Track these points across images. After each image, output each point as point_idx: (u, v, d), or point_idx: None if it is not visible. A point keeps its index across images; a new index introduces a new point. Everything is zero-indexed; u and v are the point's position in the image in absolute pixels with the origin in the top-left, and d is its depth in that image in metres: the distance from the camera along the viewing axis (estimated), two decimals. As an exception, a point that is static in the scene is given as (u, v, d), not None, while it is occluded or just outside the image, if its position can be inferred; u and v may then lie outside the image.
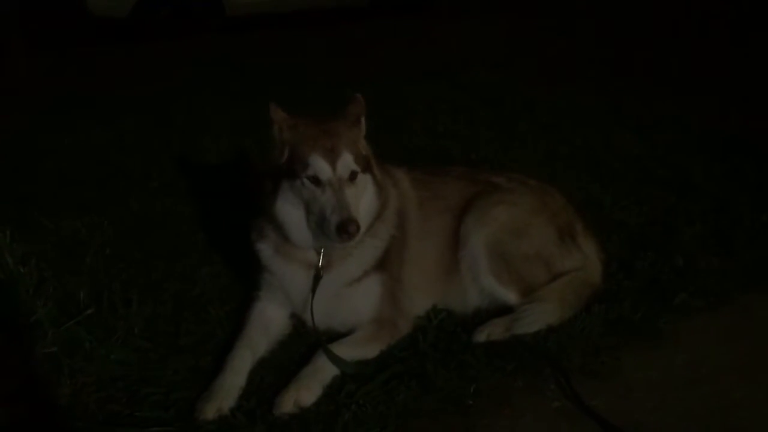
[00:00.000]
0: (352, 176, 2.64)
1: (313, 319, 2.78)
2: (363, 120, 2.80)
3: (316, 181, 2.62)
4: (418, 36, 9.90)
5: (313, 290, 2.77)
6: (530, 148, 5.14)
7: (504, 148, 5.10)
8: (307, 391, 2.57)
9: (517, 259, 3.05)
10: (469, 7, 11.78)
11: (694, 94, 6.56)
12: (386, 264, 2.92)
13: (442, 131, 5.48)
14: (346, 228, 2.50)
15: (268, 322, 2.93)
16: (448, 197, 3.19)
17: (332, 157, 2.61)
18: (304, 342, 2.91)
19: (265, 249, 2.90)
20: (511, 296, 3.04)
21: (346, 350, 2.75)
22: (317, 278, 2.77)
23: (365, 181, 2.73)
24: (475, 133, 5.46)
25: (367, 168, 2.74)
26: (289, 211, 2.73)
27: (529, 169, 4.43)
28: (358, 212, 2.60)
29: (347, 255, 2.82)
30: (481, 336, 2.91)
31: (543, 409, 2.62)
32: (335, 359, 2.68)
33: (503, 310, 3.03)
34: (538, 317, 2.93)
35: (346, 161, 2.63)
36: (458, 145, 5.19)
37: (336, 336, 2.87)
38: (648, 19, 10.58)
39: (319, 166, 2.61)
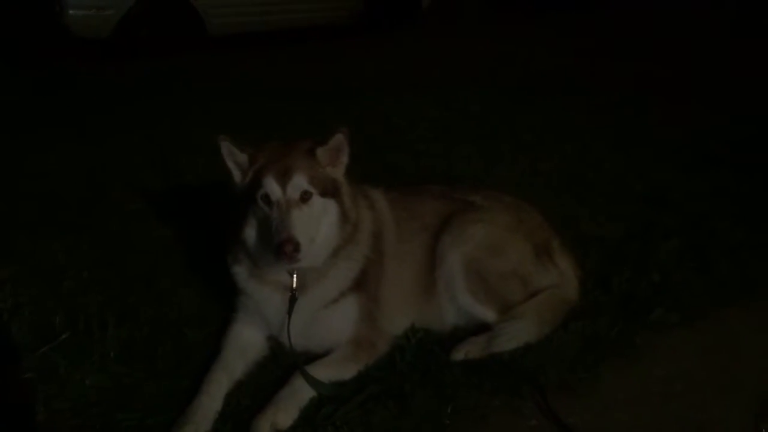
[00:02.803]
0: (304, 197, 2.65)
1: (290, 341, 2.77)
2: (321, 150, 2.76)
3: (267, 201, 2.65)
4: (401, 52, 9.97)
5: (290, 312, 2.77)
6: (510, 164, 5.18)
7: (484, 165, 5.14)
8: (284, 413, 2.56)
9: (494, 277, 3.06)
10: (453, 25, 11.87)
11: (673, 111, 6.63)
12: (363, 284, 2.93)
13: (423, 148, 5.51)
14: (283, 248, 2.50)
15: (245, 344, 2.92)
16: (424, 217, 3.20)
17: (284, 178, 2.63)
18: (281, 364, 2.90)
19: (241, 272, 2.91)
20: (488, 314, 3.05)
21: (323, 372, 2.74)
22: (293, 300, 2.77)
23: (326, 205, 2.73)
24: (455, 150, 5.49)
25: (330, 193, 2.75)
26: (254, 234, 2.76)
27: (509, 186, 4.46)
28: (306, 233, 2.60)
29: (322, 277, 2.83)
30: (459, 354, 2.91)
31: (520, 427, 2.62)
32: (312, 381, 2.67)
33: (481, 328, 3.04)
34: (516, 335, 2.94)
35: (298, 183, 2.64)
36: (438, 162, 5.22)
37: (313, 357, 2.87)
38: (630, 35, 10.71)
39: (270, 186, 2.63)
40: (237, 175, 2.83)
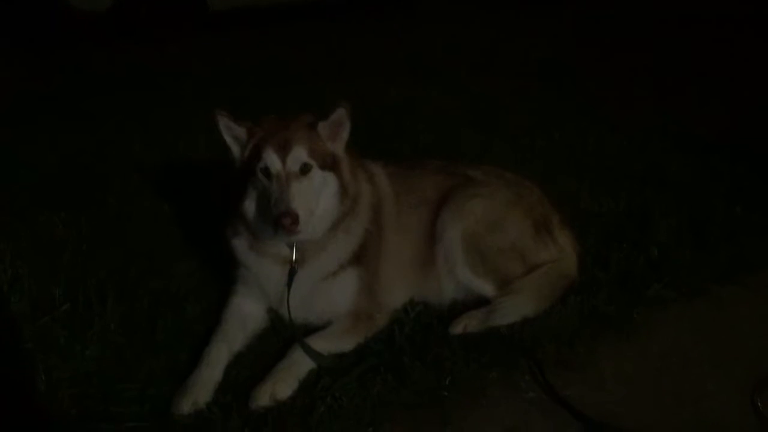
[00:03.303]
0: (304, 170, 2.65)
1: (289, 313, 2.79)
2: (323, 124, 2.77)
3: (267, 173, 2.65)
4: (400, 33, 9.90)
5: (289, 285, 2.79)
6: (508, 144, 5.16)
7: (482, 144, 5.12)
8: (283, 384, 2.59)
9: (493, 252, 3.07)
10: (451, 9, 11.75)
11: (672, 94, 6.60)
12: (362, 258, 2.94)
13: (421, 128, 5.49)
14: (281, 220, 2.51)
15: (245, 316, 2.94)
16: (424, 191, 3.20)
17: (284, 150, 2.64)
18: (281, 336, 2.92)
19: (240, 245, 2.92)
20: (487, 288, 3.07)
21: (322, 344, 2.76)
22: (292, 273, 2.78)
23: (326, 178, 2.74)
24: (454, 130, 5.48)
25: (330, 166, 2.75)
26: (254, 207, 2.77)
27: (508, 163, 4.45)
28: (305, 206, 2.60)
29: (321, 250, 2.83)
30: (457, 328, 2.93)
31: (517, 400, 2.65)
32: (311, 353, 2.69)
33: (479, 302, 3.06)
34: (514, 309, 2.96)
35: (297, 155, 2.64)
36: (437, 141, 5.20)
37: (313, 329, 2.89)
38: (629, 20, 10.64)
39: (270, 158, 2.64)
40: (235, 150, 2.84)
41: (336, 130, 2.80)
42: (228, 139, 2.83)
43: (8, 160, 4.93)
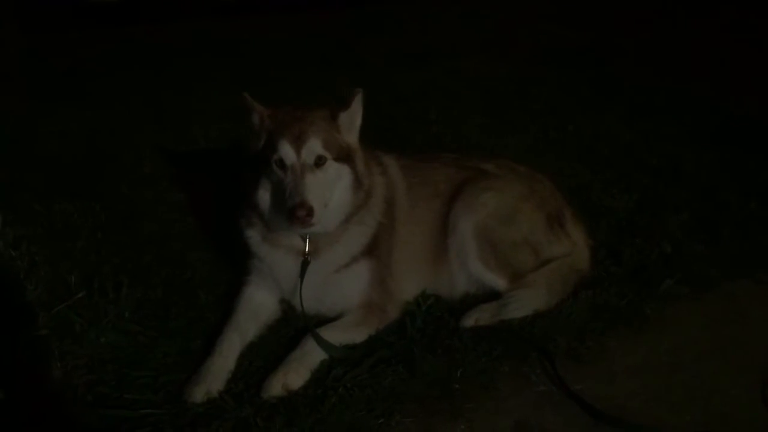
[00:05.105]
0: (319, 162, 2.66)
1: (301, 304, 2.81)
2: (344, 114, 2.79)
3: (282, 165, 2.66)
4: (411, 21, 9.85)
5: (302, 276, 2.80)
6: (521, 134, 5.16)
7: (495, 135, 5.12)
8: (295, 374, 2.60)
9: (505, 246, 3.07)
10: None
11: (686, 83, 6.56)
12: (375, 250, 2.95)
13: (433, 117, 5.49)
14: (296, 212, 2.52)
15: (257, 306, 2.96)
16: (437, 183, 3.21)
17: (298, 142, 2.64)
18: (293, 326, 2.94)
19: (253, 236, 2.93)
20: (499, 282, 3.07)
21: (334, 335, 2.77)
22: (305, 264, 2.80)
23: (340, 170, 2.74)
24: (466, 119, 5.47)
25: (344, 158, 2.75)
26: (268, 198, 2.78)
27: (520, 155, 4.45)
28: (319, 198, 2.61)
29: (334, 241, 2.85)
30: (469, 321, 2.94)
31: (528, 393, 2.65)
32: (323, 343, 2.71)
33: (491, 295, 3.07)
34: (526, 303, 2.97)
35: (312, 147, 2.65)
36: (449, 131, 5.20)
37: (325, 321, 2.90)
38: (642, 6, 10.55)
39: (285, 150, 2.64)
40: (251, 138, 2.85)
41: (353, 118, 2.81)
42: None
43: (20, 137, 4.98)
